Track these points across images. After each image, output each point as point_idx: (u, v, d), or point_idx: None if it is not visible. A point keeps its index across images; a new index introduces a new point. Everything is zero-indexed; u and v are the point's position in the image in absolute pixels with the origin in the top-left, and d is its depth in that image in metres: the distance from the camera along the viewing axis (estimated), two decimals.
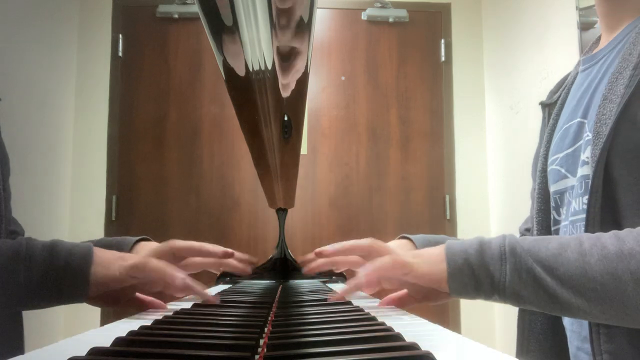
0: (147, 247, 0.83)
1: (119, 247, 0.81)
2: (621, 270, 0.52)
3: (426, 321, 0.59)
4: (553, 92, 0.89)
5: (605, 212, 0.62)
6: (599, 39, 0.81)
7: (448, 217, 2.55)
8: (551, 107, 0.86)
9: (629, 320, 0.54)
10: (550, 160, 0.81)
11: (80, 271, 0.59)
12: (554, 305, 0.56)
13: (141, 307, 0.69)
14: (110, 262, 0.62)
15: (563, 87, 0.85)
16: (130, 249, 0.82)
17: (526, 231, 0.94)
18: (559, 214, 0.78)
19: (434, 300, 0.67)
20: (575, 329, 0.73)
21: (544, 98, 0.92)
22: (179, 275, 0.63)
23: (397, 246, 0.84)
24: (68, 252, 0.59)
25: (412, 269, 0.61)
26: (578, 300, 0.54)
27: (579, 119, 0.74)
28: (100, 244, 0.81)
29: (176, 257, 0.73)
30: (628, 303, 0.52)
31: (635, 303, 0.52)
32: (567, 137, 0.76)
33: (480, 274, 0.58)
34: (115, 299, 0.67)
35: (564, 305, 0.55)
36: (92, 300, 0.64)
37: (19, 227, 0.88)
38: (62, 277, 0.58)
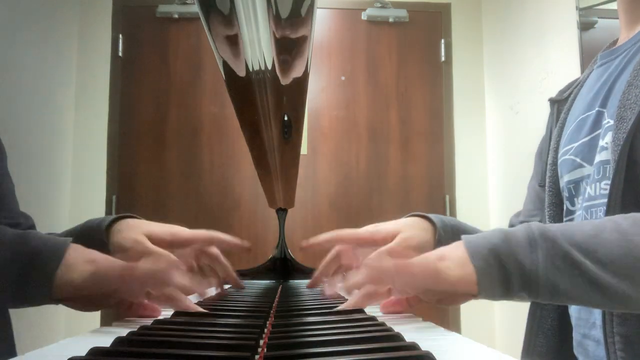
0: (127, 233, 0.72)
1: (94, 232, 0.71)
2: None
3: (423, 320, 0.59)
4: (563, 91, 0.89)
5: (626, 196, 0.61)
6: (617, 40, 0.81)
7: None
8: (561, 104, 0.87)
9: None
10: (561, 152, 0.81)
11: (45, 271, 0.51)
12: (593, 294, 0.50)
13: (131, 311, 0.60)
14: (76, 264, 0.53)
15: (575, 85, 0.85)
16: (107, 231, 0.72)
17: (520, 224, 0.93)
18: (572, 204, 0.78)
19: (450, 303, 0.57)
20: (582, 316, 0.73)
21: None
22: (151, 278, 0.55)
23: (410, 232, 0.74)
24: (37, 248, 0.52)
25: (442, 275, 0.52)
26: (622, 284, 0.49)
27: (597, 109, 0.74)
28: (81, 231, 0.72)
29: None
30: None
31: None
32: (583, 128, 0.76)
33: (509, 265, 0.51)
34: (92, 302, 0.56)
35: (605, 291, 0.49)
36: (67, 302, 0.55)
37: (23, 219, 0.83)
38: (26, 274, 0.51)
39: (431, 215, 0.77)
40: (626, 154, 0.62)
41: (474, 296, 0.53)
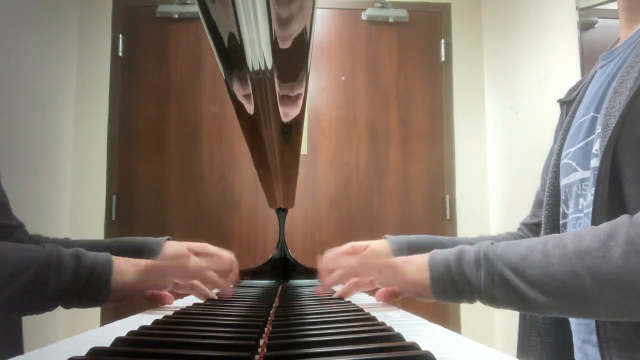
0: (170, 247, 0.95)
1: (151, 248, 0.93)
2: (579, 267, 0.54)
3: (426, 321, 0.59)
4: (572, 90, 0.89)
5: (612, 204, 0.62)
6: (619, 40, 0.81)
7: (448, 217, 2.55)
8: (569, 105, 0.87)
9: (592, 314, 0.57)
10: (563, 154, 0.82)
11: (103, 280, 0.65)
12: (525, 305, 0.59)
13: (150, 300, 0.77)
14: (126, 269, 0.68)
15: (582, 85, 0.85)
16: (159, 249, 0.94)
17: (523, 226, 0.99)
18: (567, 207, 0.78)
19: (424, 298, 0.71)
20: (582, 321, 0.73)
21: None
22: (190, 267, 0.74)
23: (377, 246, 0.96)
24: (92, 261, 0.65)
25: (400, 274, 0.68)
26: (545, 299, 0.57)
27: (592, 114, 0.75)
28: (132, 244, 0.93)
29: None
30: (589, 298, 0.54)
31: (594, 298, 0.53)
32: (580, 132, 0.77)
33: (459, 280, 0.63)
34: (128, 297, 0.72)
35: (533, 304, 0.58)
36: (115, 302, 0.69)
37: (14, 220, 0.92)
38: (87, 285, 0.63)
39: (391, 238, 0.98)
40: (609, 162, 0.62)
41: (434, 299, 0.67)
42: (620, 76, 0.66)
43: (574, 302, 0.55)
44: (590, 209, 0.70)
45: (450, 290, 0.64)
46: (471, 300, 0.64)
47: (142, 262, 0.70)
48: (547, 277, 0.56)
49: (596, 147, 0.69)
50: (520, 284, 0.58)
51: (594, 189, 0.68)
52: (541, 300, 0.57)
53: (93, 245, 0.98)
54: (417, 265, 0.67)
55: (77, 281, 0.63)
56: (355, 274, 0.73)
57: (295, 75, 0.51)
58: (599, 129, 0.69)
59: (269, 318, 0.55)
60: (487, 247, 0.63)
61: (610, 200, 0.62)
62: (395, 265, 0.69)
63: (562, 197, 0.80)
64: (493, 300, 0.62)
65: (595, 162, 0.69)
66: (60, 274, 0.61)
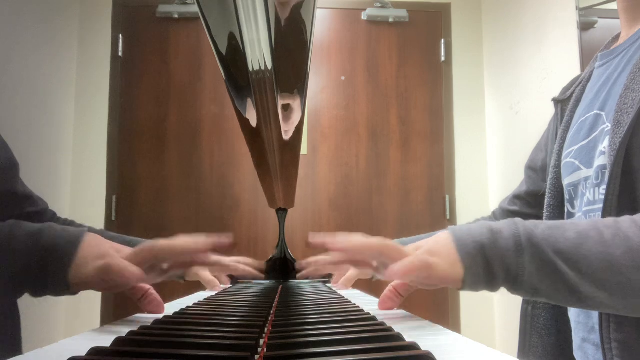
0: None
1: None
2: None
3: (426, 321, 0.59)
4: (566, 89, 0.89)
5: (622, 202, 0.61)
6: (617, 36, 0.81)
7: (448, 217, 2.55)
8: (564, 104, 0.86)
9: None
10: (564, 154, 0.81)
11: (60, 266, 0.52)
12: (572, 299, 0.53)
13: (140, 302, 0.63)
14: (88, 261, 0.53)
15: (577, 84, 0.85)
16: None
17: (499, 209, 1.01)
18: (573, 207, 0.78)
19: (433, 287, 0.61)
20: (581, 320, 0.73)
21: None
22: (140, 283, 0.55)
23: None
24: (52, 243, 0.53)
25: (434, 271, 0.54)
26: (601, 294, 0.52)
27: (595, 111, 0.74)
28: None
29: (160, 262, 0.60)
30: None
31: None
32: (582, 130, 0.76)
33: (495, 266, 0.53)
34: (109, 289, 0.58)
35: (584, 298, 0.53)
36: (87, 289, 0.56)
37: (35, 204, 0.92)
38: (44, 267, 0.52)
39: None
40: (622, 160, 0.61)
41: (458, 288, 0.56)
42: (631, 73, 0.66)
43: (636, 299, 0.51)
44: (594, 207, 0.70)
45: (481, 278, 0.54)
46: (495, 289, 0.55)
47: (113, 255, 0.55)
48: (609, 271, 0.51)
49: (604, 144, 0.67)
50: (573, 276, 0.51)
51: (602, 187, 0.67)
52: (596, 295, 0.52)
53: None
54: (446, 258, 0.54)
55: (32, 266, 0.51)
56: (409, 277, 0.56)
57: (295, 76, 0.51)
58: (607, 126, 0.68)
59: (269, 318, 0.55)
60: (527, 229, 0.54)
61: (621, 199, 0.61)
62: (428, 262, 0.54)
63: (567, 196, 0.80)
64: (534, 291, 0.53)
65: (601, 160, 0.68)
66: (13, 255, 0.51)
